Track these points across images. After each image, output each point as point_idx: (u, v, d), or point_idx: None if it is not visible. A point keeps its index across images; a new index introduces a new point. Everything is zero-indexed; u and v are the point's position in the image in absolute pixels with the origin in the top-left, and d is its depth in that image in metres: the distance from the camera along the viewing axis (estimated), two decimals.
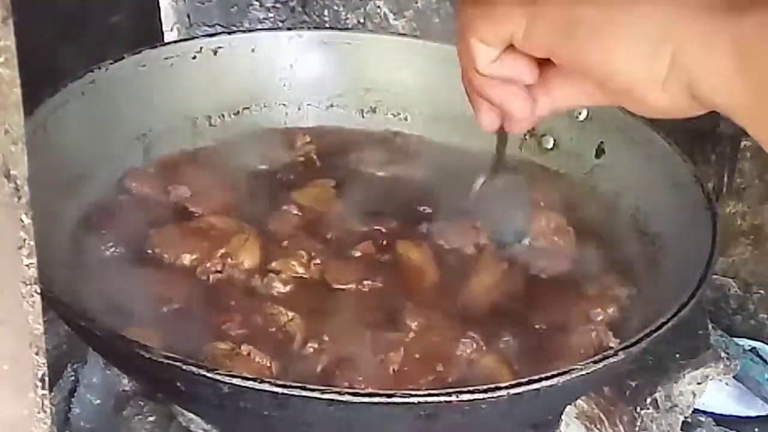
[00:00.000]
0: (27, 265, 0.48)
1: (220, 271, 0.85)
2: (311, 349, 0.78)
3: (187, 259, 0.86)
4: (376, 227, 0.93)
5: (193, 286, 0.84)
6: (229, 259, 0.86)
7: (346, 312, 0.82)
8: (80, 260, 0.85)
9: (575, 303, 0.86)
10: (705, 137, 1.19)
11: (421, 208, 0.96)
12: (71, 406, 0.87)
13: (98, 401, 0.87)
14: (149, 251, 0.86)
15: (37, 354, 0.50)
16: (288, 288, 0.85)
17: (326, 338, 0.79)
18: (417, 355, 0.78)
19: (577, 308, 0.86)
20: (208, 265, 0.85)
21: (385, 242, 0.91)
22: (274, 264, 0.86)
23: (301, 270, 0.86)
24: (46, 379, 0.51)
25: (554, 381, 0.67)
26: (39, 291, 0.49)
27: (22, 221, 0.47)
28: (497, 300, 0.86)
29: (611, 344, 0.81)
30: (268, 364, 0.75)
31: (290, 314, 0.81)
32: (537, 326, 0.84)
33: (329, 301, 0.84)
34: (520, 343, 0.81)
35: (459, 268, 0.90)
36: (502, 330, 0.82)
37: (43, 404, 0.51)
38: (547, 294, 0.88)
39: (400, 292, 0.86)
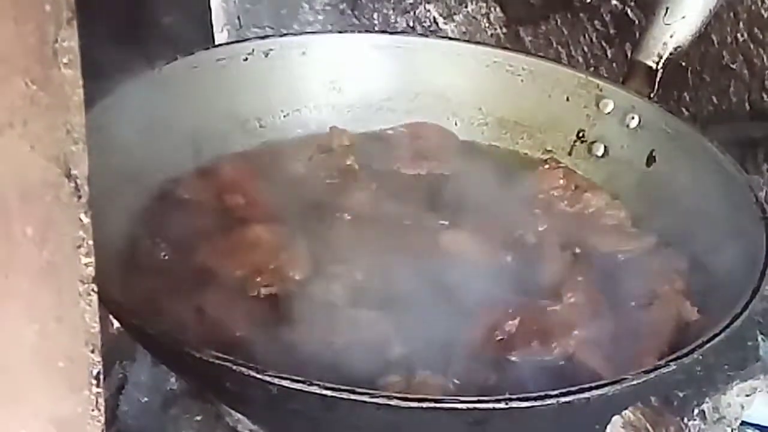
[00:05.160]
0: (85, 264, 0.48)
1: (270, 285, 0.84)
2: None
3: (237, 274, 0.84)
4: (427, 225, 0.93)
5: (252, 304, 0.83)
6: (279, 272, 0.84)
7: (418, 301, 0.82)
8: (131, 261, 0.85)
9: (643, 280, 0.87)
10: (757, 146, 1.18)
11: (470, 206, 0.96)
12: (119, 403, 0.88)
13: (146, 399, 0.87)
14: (199, 262, 0.86)
15: (92, 352, 0.51)
16: (346, 292, 0.84)
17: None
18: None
19: (647, 285, 0.87)
20: (258, 279, 0.84)
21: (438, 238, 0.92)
22: (331, 270, 0.86)
23: (359, 275, 0.85)
24: (101, 377, 0.51)
25: (605, 390, 0.66)
26: (96, 290, 0.49)
27: (81, 221, 0.47)
28: (571, 287, 0.86)
29: (692, 316, 0.83)
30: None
31: (373, 313, 0.81)
32: (615, 309, 0.85)
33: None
34: (605, 327, 0.82)
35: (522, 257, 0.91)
36: (585, 317, 0.83)
37: (97, 402, 0.52)
38: (614, 275, 0.89)
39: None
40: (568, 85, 1.07)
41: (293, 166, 1.01)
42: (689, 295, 0.87)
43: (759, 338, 1.01)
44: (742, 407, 0.96)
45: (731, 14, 1.18)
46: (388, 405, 0.64)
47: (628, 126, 1.02)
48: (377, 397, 0.64)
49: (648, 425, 0.90)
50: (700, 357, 0.72)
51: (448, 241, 0.91)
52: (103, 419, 0.53)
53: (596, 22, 1.32)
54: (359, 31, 1.17)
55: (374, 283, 0.85)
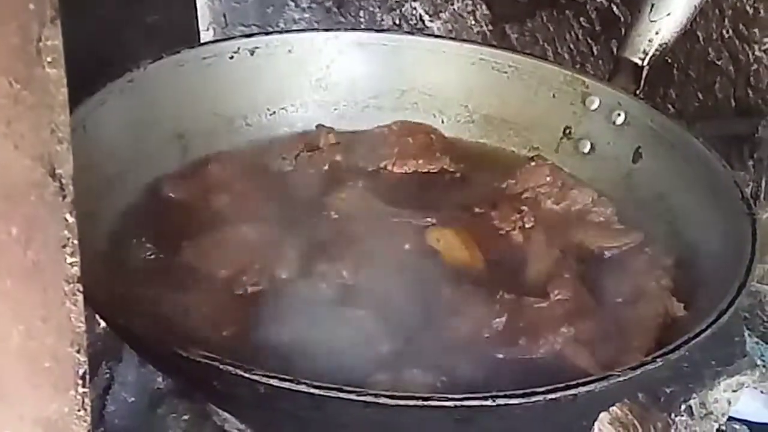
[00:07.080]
0: (70, 264, 0.48)
1: (257, 284, 0.84)
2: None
3: (223, 273, 0.84)
4: (414, 223, 0.93)
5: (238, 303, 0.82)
6: (265, 271, 0.84)
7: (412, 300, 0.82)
8: (116, 261, 0.85)
9: (630, 277, 0.88)
10: (742, 142, 1.18)
11: (456, 204, 0.97)
12: (106, 403, 0.87)
13: (132, 399, 0.87)
14: (185, 261, 0.85)
15: (78, 352, 0.50)
16: (333, 291, 0.84)
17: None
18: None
19: (633, 282, 0.87)
20: (245, 278, 0.84)
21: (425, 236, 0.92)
22: (318, 268, 0.85)
23: (345, 274, 0.85)
24: (87, 377, 0.51)
25: (591, 387, 0.66)
26: (81, 289, 0.49)
27: (66, 220, 0.47)
28: (558, 284, 0.86)
29: (679, 312, 0.83)
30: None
31: (360, 312, 0.80)
32: (602, 305, 0.85)
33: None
34: (591, 324, 0.82)
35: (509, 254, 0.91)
36: (572, 314, 0.83)
37: (83, 402, 0.51)
38: (601, 271, 0.89)
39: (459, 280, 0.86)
40: (554, 82, 1.07)
41: (280, 164, 1.01)
42: (675, 291, 0.87)
43: (745, 334, 1.02)
44: (729, 403, 0.96)
45: (716, 11, 1.18)
46: (376, 403, 0.64)
47: (614, 123, 1.02)
48: (365, 395, 0.64)
49: (635, 421, 0.90)
50: (687, 353, 0.72)
51: (434, 239, 0.91)
52: (89, 419, 0.52)
53: (582, 19, 1.32)
54: (345, 29, 1.16)
55: (361, 282, 0.85)
